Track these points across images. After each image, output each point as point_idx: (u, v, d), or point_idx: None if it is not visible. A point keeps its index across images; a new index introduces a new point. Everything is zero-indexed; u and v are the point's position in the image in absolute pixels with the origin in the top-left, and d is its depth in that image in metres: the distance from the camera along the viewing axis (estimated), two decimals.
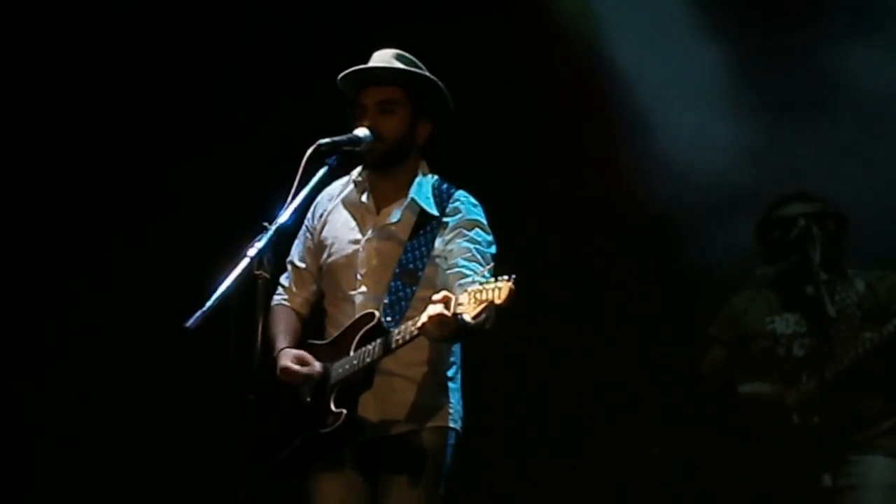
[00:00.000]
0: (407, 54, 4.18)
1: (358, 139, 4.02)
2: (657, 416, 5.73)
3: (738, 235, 5.37)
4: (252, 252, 3.57)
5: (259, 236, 3.61)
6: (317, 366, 4.01)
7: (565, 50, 5.79)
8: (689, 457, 5.52)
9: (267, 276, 3.60)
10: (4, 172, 5.92)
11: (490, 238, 4.10)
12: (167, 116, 5.95)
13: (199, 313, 3.45)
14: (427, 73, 4.17)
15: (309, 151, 3.82)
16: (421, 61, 4.19)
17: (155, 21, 5.96)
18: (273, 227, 3.65)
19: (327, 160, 3.89)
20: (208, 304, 3.47)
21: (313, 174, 3.83)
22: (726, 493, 5.13)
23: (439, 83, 4.16)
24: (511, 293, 3.54)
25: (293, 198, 3.75)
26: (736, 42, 5.84)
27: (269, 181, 3.90)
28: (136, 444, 5.85)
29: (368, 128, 4.05)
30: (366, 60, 4.18)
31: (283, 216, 3.70)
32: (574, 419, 5.82)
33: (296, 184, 3.76)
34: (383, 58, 4.17)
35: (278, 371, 4.05)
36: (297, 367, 4.01)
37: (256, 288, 3.58)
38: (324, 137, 3.89)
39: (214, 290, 3.49)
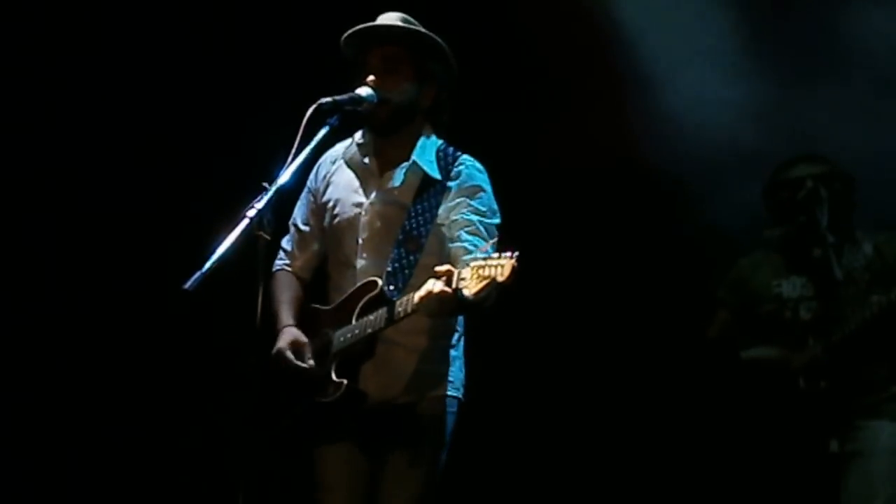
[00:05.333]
0: (411, 19, 4.14)
1: (360, 98, 3.98)
2: (662, 380, 5.70)
3: (746, 198, 5.31)
4: (251, 213, 3.54)
5: (259, 197, 3.57)
6: (309, 362, 4.00)
7: (572, 10, 5.72)
8: (694, 421, 5.50)
9: (267, 237, 3.56)
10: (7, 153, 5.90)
11: (494, 207, 4.05)
12: (164, 77, 5.89)
13: (197, 275, 3.41)
14: (431, 34, 4.11)
15: (310, 111, 3.78)
16: (425, 23, 4.14)
17: None
18: (273, 188, 3.61)
19: (328, 120, 3.85)
20: (207, 265, 3.43)
21: (314, 134, 3.79)
22: (731, 458, 5.10)
23: (443, 45, 4.11)
24: (514, 271, 3.50)
25: (293, 158, 3.70)
26: (746, 2, 5.77)
27: (269, 141, 3.86)
28: (135, 409, 5.82)
29: (372, 87, 4.00)
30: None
31: (284, 177, 3.66)
32: (578, 383, 5.79)
33: (296, 144, 3.71)
34: (388, 19, 4.13)
35: (274, 351, 4.04)
36: (294, 361, 3.99)
37: (257, 249, 3.54)
38: (325, 96, 3.84)
39: (213, 252, 3.45)
